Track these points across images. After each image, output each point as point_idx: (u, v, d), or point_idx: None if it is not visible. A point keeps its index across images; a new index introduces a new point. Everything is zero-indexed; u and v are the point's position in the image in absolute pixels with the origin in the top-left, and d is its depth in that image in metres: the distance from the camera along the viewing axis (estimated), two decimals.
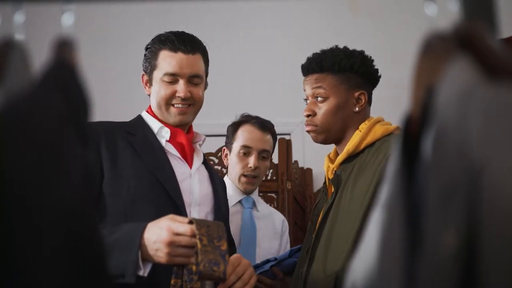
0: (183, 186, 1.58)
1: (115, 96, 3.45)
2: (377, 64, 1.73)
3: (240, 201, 2.19)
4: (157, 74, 1.65)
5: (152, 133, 1.64)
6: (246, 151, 2.16)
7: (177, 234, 1.28)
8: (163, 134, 1.64)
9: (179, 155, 1.64)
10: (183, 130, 1.69)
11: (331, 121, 1.65)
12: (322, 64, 1.67)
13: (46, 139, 0.51)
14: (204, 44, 1.72)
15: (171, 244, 1.27)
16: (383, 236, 0.52)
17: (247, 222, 2.14)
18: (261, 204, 2.28)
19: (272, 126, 2.25)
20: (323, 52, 1.70)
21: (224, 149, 2.29)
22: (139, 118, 1.71)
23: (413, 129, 0.54)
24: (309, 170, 3.29)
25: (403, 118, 0.55)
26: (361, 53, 1.70)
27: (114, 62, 3.58)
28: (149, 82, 1.69)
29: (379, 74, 1.72)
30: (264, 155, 2.18)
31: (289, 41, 3.58)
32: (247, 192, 2.20)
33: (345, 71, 1.65)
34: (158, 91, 1.65)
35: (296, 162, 3.16)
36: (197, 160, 1.69)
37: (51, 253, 0.49)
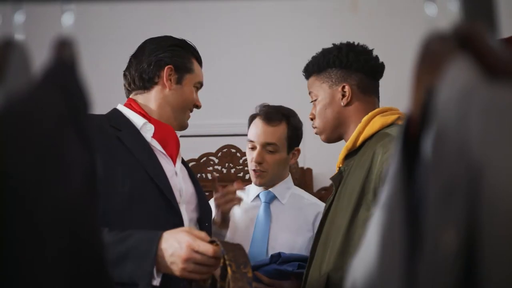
0: (172, 184, 1.56)
1: (116, 95, 3.45)
2: (384, 68, 1.73)
3: (258, 196, 2.14)
4: (192, 78, 1.70)
5: (135, 129, 1.61)
6: (251, 145, 2.12)
7: (196, 252, 1.28)
8: (147, 130, 1.62)
9: (164, 152, 1.62)
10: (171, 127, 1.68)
11: (324, 120, 1.68)
12: (307, 69, 1.74)
13: (46, 138, 0.51)
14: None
15: (188, 261, 1.28)
16: (383, 236, 0.52)
17: (261, 216, 2.08)
18: (296, 197, 2.16)
19: (284, 114, 2.10)
20: (312, 56, 1.75)
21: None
22: (118, 112, 1.66)
23: (413, 129, 0.54)
24: (309, 170, 3.29)
25: (403, 118, 0.55)
26: (338, 46, 1.70)
27: (117, 61, 3.58)
28: (177, 80, 1.68)
29: (367, 61, 1.68)
30: (269, 148, 2.08)
31: (289, 43, 3.58)
32: (261, 186, 2.12)
33: (325, 68, 1.69)
34: (190, 94, 1.69)
35: (296, 162, 3.16)
36: (178, 158, 1.68)
37: (52, 252, 0.49)
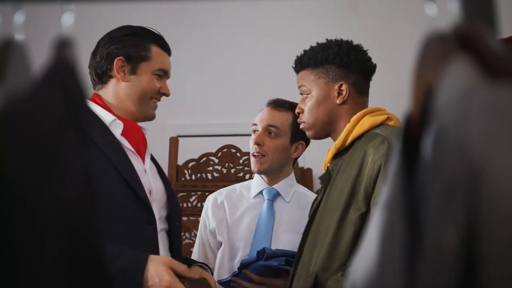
0: (142, 182, 1.57)
1: None
2: (377, 64, 1.72)
3: (261, 192, 2.08)
4: (149, 66, 1.65)
5: (104, 126, 1.59)
6: (254, 129, 2.07)
7: None
8: (116, 126, 1.60)
9: (133, 150, 1.61)
10: (137, 124, 1.67)
11: (315, 116, 1.65)
12: (301, 61, 1.69)
13: (46, 139, 0.51)
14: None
15: None
16: (383, 236, 0.52)
17: (264, 214, 2.04)
18: (299, 194, 2.12)
19: (293, 105, 2.00)
20: (305, 50, 1.71)
21: None
22: None
23: (413, 129, 0.54)
24: (309, 170, 3.29)
25: (403, 118, 0.55)
26: (338, 43, 1.67)
27: None
28: (132, 70, 1.64)
29: (365, 61, 1.67)
30: (271, 131, 2.03)
31: (289, 42, 3.58)
32: (266, 175, 2.07)
33: (322, 64, 1.65)
34: (148, 82, 1.64)
35: (296, 162, 3.16)
36: (147, 155, 1.68)
37: (51, 253, 0.49)
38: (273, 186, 2.09)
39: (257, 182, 2.12)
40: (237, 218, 2.06)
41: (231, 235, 2.03)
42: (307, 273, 1.53)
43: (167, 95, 1.70)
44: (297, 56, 1.72)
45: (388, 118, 1.61)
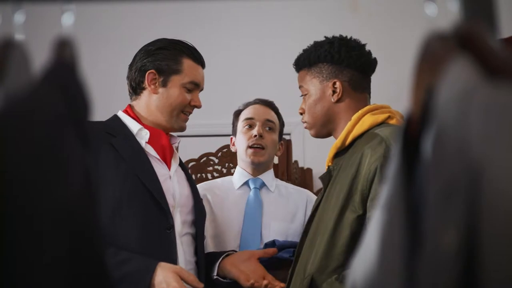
0: (165, 188, 1.62)
1: (116, 95, 3.45)
2: (377, 64, 1.71)
3: (246, 183, 2.11)
4: (179, 79, 1.69)
5: (131, 134, 1.66)
6: (250, 123, 2.11)
7: None
8: (143, 135, 1.67)
9: (158, 157, 1.67)
10: (164, 132, 1.72)
11: (314, 116, 1.66)
12: (298, 63, 1.71)
13: (46, 139, 0.51)
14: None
15: None
16: (383, 236, 0.52)
17: (251, 202, 2.07)
18: (280, 186, 2.18)
19: (277, 108, 2.21)
20: (303, 49, 1.72)
21: (231, 138, 2.22)
22: (117, 118, 1.72)
23: (413, 129, 0.54)
24: (309, 170, 3.29)
25: (403, 118, 0.55)
26: (330, 41, 1.67)
27: (117, 62, 3.57)
28: (163, 83, 1.69)
29: (359, 57, 1.66)
30: (269, 125, 2.12)
31: (289, 42, 3.58)
32: (256, 168, 2.11)
33: (316, 63, 1.66)
34: (177, 95, 1.69)
35: (296, 162, 3.16)
36: (174, 162, 1.73)
37: (52, 253, 0.49)
38: (258, 177, 2.14)
39: (241, 174, 2.15)
40: (223, 210, 2.07)
41: (218, 227, 2.04)
42: (304, 273, 1.52)
43: (198, 107, 1.74)
44: (296, 57, 1.73)
45: (389, 117, 1.60)
